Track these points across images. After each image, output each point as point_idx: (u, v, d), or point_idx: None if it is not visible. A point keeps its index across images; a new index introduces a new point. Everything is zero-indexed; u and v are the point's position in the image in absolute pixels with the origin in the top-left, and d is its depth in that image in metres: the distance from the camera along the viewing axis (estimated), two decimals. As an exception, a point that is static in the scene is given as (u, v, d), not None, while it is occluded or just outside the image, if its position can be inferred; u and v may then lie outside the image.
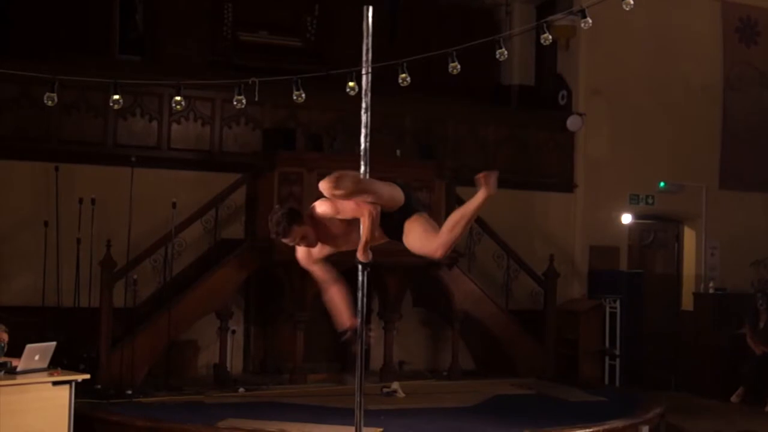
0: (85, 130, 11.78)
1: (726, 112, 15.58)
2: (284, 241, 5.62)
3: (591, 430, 9.20)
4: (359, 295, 6.00)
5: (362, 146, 6.06)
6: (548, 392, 11.62)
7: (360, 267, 5.84)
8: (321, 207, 5.65)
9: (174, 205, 10.88)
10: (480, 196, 5.56)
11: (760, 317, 13.44)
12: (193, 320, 11.34)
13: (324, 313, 12.46)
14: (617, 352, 13.90)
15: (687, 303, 15.35)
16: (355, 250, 5.72)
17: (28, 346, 8.30)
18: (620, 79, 14.62)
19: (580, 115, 14.17)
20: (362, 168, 6.04)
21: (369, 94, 5.97)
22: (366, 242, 5.66)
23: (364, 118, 5.98)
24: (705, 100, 15.36)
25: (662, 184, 14.94)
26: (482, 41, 6.79)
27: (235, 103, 10.81)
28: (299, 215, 5.58)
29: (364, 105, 5.97)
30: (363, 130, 5.99)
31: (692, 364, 14.64)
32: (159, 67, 12.55)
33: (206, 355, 12.10)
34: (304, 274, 11.30)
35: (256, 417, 9.05)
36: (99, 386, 10.03)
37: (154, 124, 12.10)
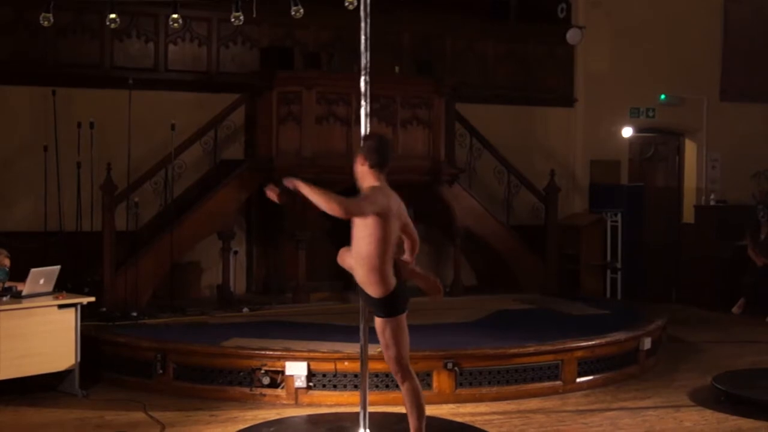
0: (81, 53, 11.67)
1: (727, 23, 15.43)
2: None
3: (594, 342, 9.26)
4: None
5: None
6: (550, 306, 11.68)
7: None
8: None
9: (173, 126, 10.83)
10: None
11: (761, 229, 13.48)
12: (195, 242, 11.38)
13: (326, 233, 12.56)
14: (618, 266, 13.98)
15: (688, 216, 15.39)
16: None
17: (33, 270, 8.35)
18: (620, -9, 14.51)
19: (580, 28, 14.03)
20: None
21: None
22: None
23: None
24: (706, 11, 15.22)
25: (663, 96, 14.87)
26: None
27: (233, 19, 10.78)
28: None
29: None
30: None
31: (693, 276, 14.73)
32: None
33: (209, 276, 12.15)
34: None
35: (261, 336, 9.11)
36: (104, 309, 10.09)
37: (151, 45, 11.99)
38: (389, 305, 6.22)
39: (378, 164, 6.24)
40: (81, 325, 8.54)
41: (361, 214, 6.08)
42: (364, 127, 6.70)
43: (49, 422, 7.66)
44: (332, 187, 11.09)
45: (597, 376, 9.23)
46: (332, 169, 11.11)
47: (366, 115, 6.65)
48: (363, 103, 6.62)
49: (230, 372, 8.53)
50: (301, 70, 11.50)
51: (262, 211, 12.36)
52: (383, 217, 6.07)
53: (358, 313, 6.73)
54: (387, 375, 8.25)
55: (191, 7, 11.65)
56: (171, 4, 10.85)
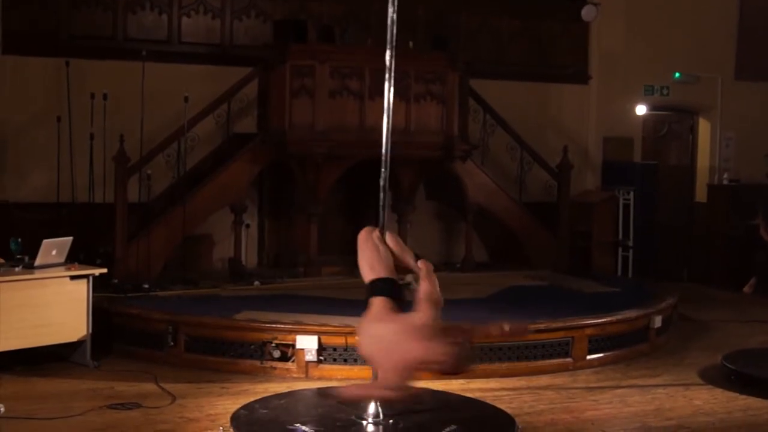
0: (94, 25, 11.65)
1: (743, 1, 15.33)
2: None
3: (605, 320, 9.27)
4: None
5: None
6: (562, 283, 11.69)
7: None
8: None
9: (186, 99, 10.82)
10: None
11: (774, 208, 13.41)
12: (207, 214, 11.38)
13: (337, 207, 12.55)
14: (630, 244, 13.96)
15: (701, 194, 15.35)
16: None
17: (45, 241, 8.38)
18: (636, -33, 14.42)
19: (595, 5, 13.95)
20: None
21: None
22: None
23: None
24: (722, -12, 15.15)
25: (677, 74, 14.80)
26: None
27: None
28: None
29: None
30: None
31: (705, 255, 14.70)
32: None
33: (221, 249, 12.16)
34: (317, 168, 11.41)
35: (272, 309, 9.13)
36: (116, 281, 10.11)
37: (164, 17, 11.96)
38: None
39: None
40: (93, 297, 8.57)
41: None
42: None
43: (60, 392, 7.71)
44: (344, 161, 11.24)
45: (607, 354, 9.25)
46: (345, 144, 11.12)
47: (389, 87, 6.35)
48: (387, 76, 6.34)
49: (241, 345, 8.57)
50: (315, 43, 11.45)
51: (275, 185, 12.37)
52: None
53: (369, 287, 6.71)
54: (397, 350, 8.26)
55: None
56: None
